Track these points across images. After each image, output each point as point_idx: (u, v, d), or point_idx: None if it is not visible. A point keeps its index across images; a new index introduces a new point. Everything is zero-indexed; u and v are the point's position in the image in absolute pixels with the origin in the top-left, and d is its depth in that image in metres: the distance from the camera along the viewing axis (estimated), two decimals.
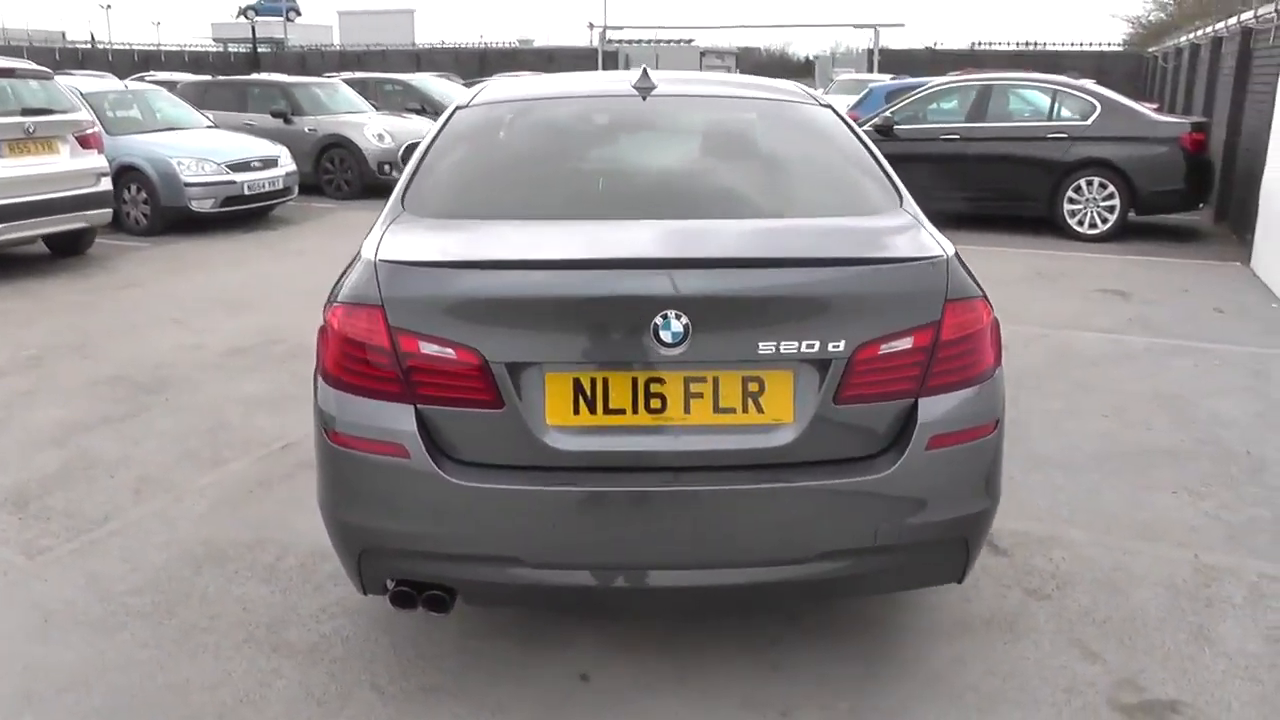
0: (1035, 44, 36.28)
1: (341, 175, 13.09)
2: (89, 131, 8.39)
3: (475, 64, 40.51)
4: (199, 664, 2.78)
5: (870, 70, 32.96)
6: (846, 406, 2.32)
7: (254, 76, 16.77)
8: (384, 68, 37.44)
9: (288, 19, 52.61)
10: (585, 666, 2.77)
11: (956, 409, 2.37)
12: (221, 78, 16.94)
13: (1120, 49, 35.06)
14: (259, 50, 45.77)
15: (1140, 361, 5.72)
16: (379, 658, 2.81)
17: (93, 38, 53.61)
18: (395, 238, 2.52)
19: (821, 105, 3.32)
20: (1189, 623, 3.00)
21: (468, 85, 19.80)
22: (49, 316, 6.71)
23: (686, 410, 2.31)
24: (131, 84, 12.93)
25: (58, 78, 8.71)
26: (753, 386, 2.31)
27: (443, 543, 2.36)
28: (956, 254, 2.48)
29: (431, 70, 28.24)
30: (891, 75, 22.49)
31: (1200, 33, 14.69)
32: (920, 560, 2.49)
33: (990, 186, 10.08)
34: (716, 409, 2.32)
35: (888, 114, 10.65)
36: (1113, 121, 9.72)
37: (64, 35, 53.23)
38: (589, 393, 2.30)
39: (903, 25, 48.17)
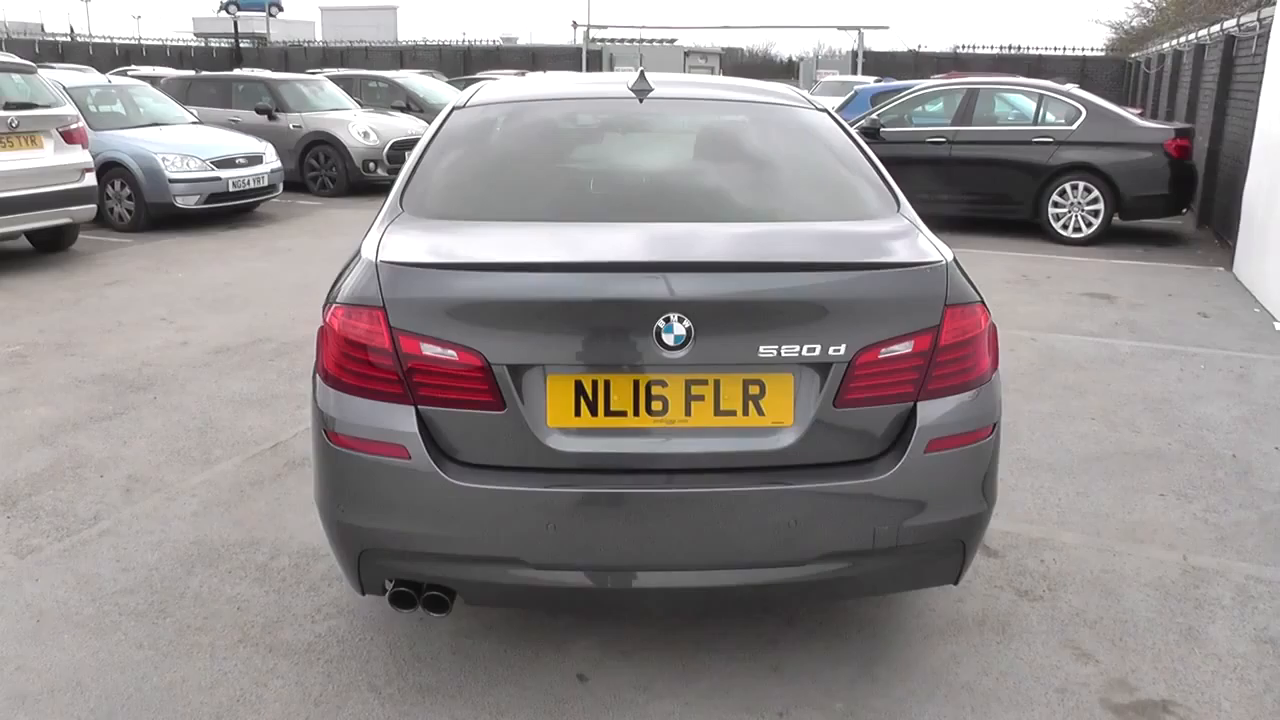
0: (1018, 48, 36.56)
1: (326, 172, 13.05)
2: (73, 126, 8.30)
3: (459, 61, 40.46)
4: (194, 664, 2.77)
5: (854, 72, 33.10)
6: (846, 410, 2.34)
7: (239, 72, 16.66)
8: (367, 64, 37.42)
9: (270, 14, 52.19)
10: (583, 667, 2.77)
11: (955, 413, 2.40)
12: (206, 73, 16.81)
13: (1103, 54, 35.32)
14: (241, 45, 45.51)
15: (1127, 365, 5.77)
16: (375, 658, 2.80)
17: (72, 30, 53.20)
18: (396, 238, 2.51)
19: (818, 109, 3.34)
20: (1179, 624, 3.04)
21: (453, 83, 19.83)
22: (33, 314, 6.65)
23: (687, 413, 2.32)
24: (115, 78, 12.84)
25: (41, 71, 8.64)
26: (753, 389, 2.33)
27: (443, 543, 2.35)
28: (955, 259, 2.51)
29: (414, 67, 28.17)
30: (876, 77, 22.54)
31: (1183, 40, 14.81)
32: (918, 562, 2.51)
33: (975, 190, 10.12)
34: (717, 411, 2.33)
35: (874, 116, 10.67)
36: (1098, 126, 9.78)
37: (42, 28, 52.76)
38: (590, 395, 2.31)
39: (888, 28, 48.59)
